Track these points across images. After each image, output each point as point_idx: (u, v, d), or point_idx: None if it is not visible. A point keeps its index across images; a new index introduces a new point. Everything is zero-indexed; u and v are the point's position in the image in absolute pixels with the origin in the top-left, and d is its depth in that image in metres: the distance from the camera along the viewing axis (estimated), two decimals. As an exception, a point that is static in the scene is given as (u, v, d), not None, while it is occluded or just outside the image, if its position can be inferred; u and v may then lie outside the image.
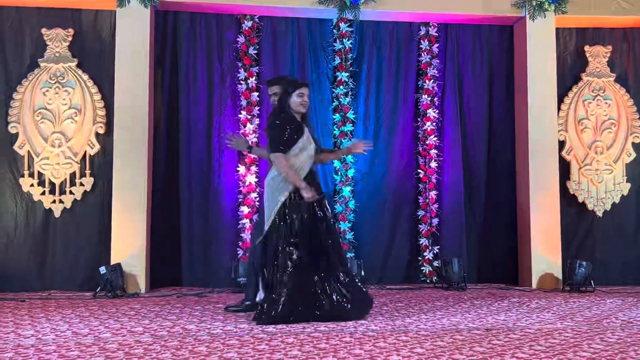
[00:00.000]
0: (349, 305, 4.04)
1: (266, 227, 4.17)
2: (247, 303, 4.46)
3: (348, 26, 6.24)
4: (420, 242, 6.32)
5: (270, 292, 4.02)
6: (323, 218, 4.20)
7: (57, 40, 5.82)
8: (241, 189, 6.04)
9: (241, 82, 6.13)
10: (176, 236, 6.09)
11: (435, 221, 6.33)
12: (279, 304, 3.94)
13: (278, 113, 4.28)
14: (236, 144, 4.87)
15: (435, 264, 6.25)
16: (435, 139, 6.36)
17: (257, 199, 6.02)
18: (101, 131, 5.82)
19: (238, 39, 6.15)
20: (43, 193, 5.72)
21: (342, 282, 4.09)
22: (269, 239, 4.15)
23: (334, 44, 6.28)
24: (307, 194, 4.09)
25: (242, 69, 6.13)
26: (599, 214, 6.43)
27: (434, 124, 6.38)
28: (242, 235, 5.99)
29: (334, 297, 4.02)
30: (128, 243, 5.59)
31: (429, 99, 6.38)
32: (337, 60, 6.25)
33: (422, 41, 6.44)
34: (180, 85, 6.15)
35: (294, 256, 4.05)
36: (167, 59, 6.13)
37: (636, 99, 6.56)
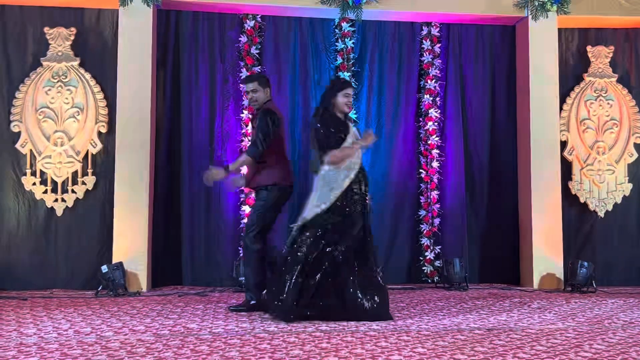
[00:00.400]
0: (373, 306, 4.01)
1: (306, 216, 4.10)
2: (253, 302, 4.46)
3: (350, 26, 6.24)
4: (422, 242, 6.32)
5: (294, 286, 3.97)
6: (364, 216, 4.18)
7: (60, 39, 5.83)
8: (243, 188, 6.04)
9: (243, 81, 6.13)
10: (178, 235, 6.09)
11: (436, 221, 6.33)
12: (303, 298, 3.95)
13: (321, 114, 4.24)
14: (213, 176, 4.49)
15: (437, 263, 6.25)
16: (437, 138, 6.36)
17: (259, 198, 6.04)
18: (103, 130, 5.83)
19: (240, 39, 6.15)
20: (45, 192, 5.73)
21: (368, 281, 4.06)
22: (305, 232, 4.09)
23: (336, 43, 6.28)
24: (365, 141, 4.18)
25: (245, 69, 6.13)
26: (601, 214, 6.42)
27: (436, 123, 6.38)
28: (243, 234, 5.98)
29: (358, 295, 3.99)
30: (130, 242, 5.60)
31: (431, 98, 6.38)
32: (339, 60, 6.25)
33: (424, 41, 6.44)
34: (182, 84, 6.15)
35: (328, 252, 4.02)
36: (169, 58, 6.14)
37: (638, 99, 6.57)
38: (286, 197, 4.65)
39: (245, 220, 5.95)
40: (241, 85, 4.89)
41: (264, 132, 4.47)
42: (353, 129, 4.31)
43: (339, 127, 4.21)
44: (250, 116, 6.09)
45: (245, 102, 6.09)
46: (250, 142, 4.71)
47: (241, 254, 5.91)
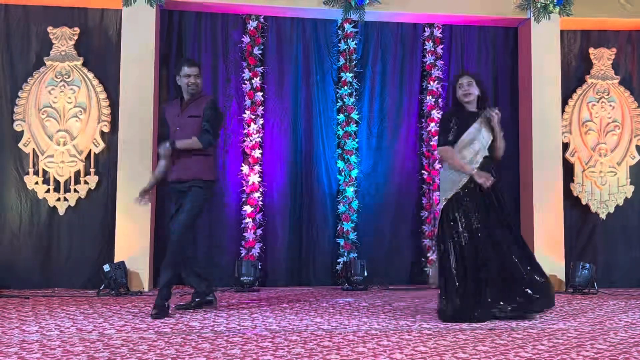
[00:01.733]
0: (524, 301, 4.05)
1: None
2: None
3: (353, 27, 6.26)
4: (424, 243, 6.32)
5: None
6: (495, 208, 4.25)
7: (63, 38, 5.84)
8: (244, 188, 6.05)
9: (245, 82, 6.14)
10: (180, 235, 6.08)
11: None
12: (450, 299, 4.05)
13: (454, 110, 4.41)
14: (160, 152, 4.37)
15: (438, 265, 6.25)
16: (439, 140, 6.37)
17: (260, 198, 6.05)
18: (106, 130, 5.84)
19: (243, 39, 6.17)
20: (48, 191, 5.74)
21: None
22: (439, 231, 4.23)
23: (339, 44, 6.29)
24: (480, 178, 4.18)
25: (247, 69, 6.14)
26: (602, 216, 6.42)
27: (438, 125, 6.38)
28: (245, 234, 6.00)
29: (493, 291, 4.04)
30: (132, 241, 5.61)
31: (433, 100, 6.38)
32: (342, 61, 6.26)
33: (426, 42, 6.45)
34: (185, 85, 6.15)
35: (457, 248, 4.09)
36: (172, 58, 6.15)
37: (640, 101, 6.57)
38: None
39: (247, 221, 5.98)
40: (186, 68, 4.40)
41: (217, 125, 4.43)
42: (478, 122, 4.36)
43: (459, 120, 4.30)
44: (252, 116, 6.09)
45: (248, 102, 6.11)
46: (201, 130, 4.28)
47: (242, 254, 5.93)
